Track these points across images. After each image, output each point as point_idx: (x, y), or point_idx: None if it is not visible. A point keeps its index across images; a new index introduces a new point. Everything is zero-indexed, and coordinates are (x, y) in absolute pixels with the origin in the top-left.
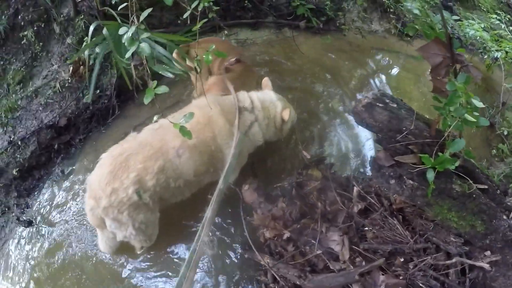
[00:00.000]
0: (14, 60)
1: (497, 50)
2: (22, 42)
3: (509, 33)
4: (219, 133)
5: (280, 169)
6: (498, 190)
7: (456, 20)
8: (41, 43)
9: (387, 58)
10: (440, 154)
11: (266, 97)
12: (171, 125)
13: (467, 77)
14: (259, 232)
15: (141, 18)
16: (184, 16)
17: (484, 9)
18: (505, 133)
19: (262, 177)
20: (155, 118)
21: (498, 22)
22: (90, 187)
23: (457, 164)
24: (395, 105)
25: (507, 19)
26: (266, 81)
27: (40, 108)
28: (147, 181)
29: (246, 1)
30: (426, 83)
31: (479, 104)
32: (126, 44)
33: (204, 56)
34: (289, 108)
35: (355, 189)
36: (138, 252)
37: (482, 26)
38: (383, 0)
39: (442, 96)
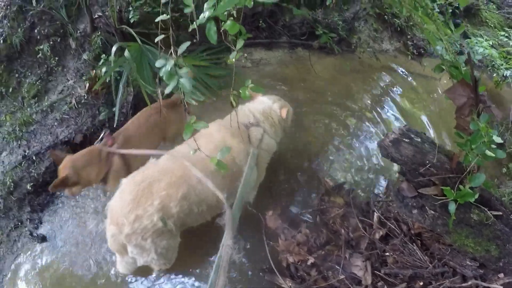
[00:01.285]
0: (30, 74)
1: (506, 68)
2: (38, 56)
3: None
4: (237, 155)
5: (297, 193)
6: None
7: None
8: (56, 58)
9: (398, 78)
10: (460, 186)
11: (263, 106)
12: (189, 151)
13: (489, 116)
14: (282, 257)
15: (180, 51)
16: (231, 57)
17: (492, 25)
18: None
19: (280, 201)
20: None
21: (506, 39)
22: (111, 213)
23: (476, 196)
24: (419, 140)
25: None
26: (250, 92)
27: (56, 124)
28: (171, 208)
29: (260, 21)
30: (434, 101)
31: (499, 139)
32: (164, 78)
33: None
34: (286, 106)
35: (376, 215)
36: (154, 273)
37: (490, 43)
38: (394, 20)
39: (464, 133)
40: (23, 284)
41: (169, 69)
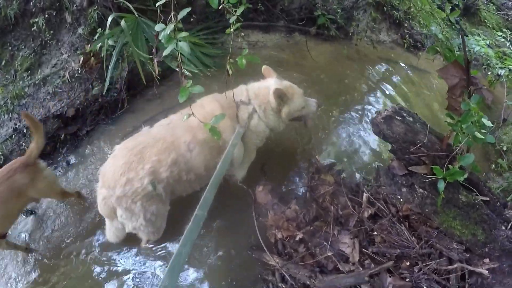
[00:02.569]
0: (23, 47)
1: (501, 68)
2: (32, 29)
3: None
4: (223, 129)
5: (289, 173)
6: (499, 203)
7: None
8: (51, 31)
9: (393, 68)
10: (450, 166)
11: (262, 84)
12: (179, 119)
13: (480, 98)
14: (270, 233)
15: (179, 17)
16: (231, 20)
17: (490, 26)
18: (504, 148)
19: (271, 179)
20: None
21: (503, 39)
22: (103, 177)
23: (465, 176)
24: (411, 119)
25: None
26: (266, 69)
27: (48, 97)
28: (161, 172)
29: (259, 4)
30: (429, 95)
31: (488, 123)
32: (163, 41)
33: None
34: (281, 88)
35: (365, 195)
36: (143, 245)
37: (487, 42)
38: (393, 12)
39: (455, 114)
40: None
41: (168, 32)
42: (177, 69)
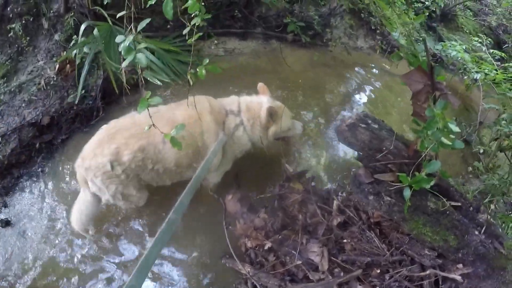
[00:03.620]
0: (0, 53)
1: (476, 72)
2: (9, 35)
3: (489, 55)
4: (206, 130)
5: (262, 181)
6: (471, 207)
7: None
8: (28, 38)
9: (370, 75)
10: (417, 173)
11: (254, 100)
12: (167, 111)
13: (445, 104)
14: (241, 242)
15: (139, 28)
16: (184, 32)
17: (467, 31)
18: (481, 151)
19: (244, 188)
20: None
21: (479, 44)
22: (83, 149)
23: (432, 183)
24: (376, 126)
25: (488, 41)
26: (262, 87)
27: (23, 105)
28: (124, 155)
29: (236, 11)
30: (405, 100)
31: (455, 128)
32: (122, 53)
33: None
34: (267, 106)
35: (335, 202)
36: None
37: (464, 47)
38: (370, 18)
39: (421, 120)
40: None
41: (127, 44)
42: (149, 79)
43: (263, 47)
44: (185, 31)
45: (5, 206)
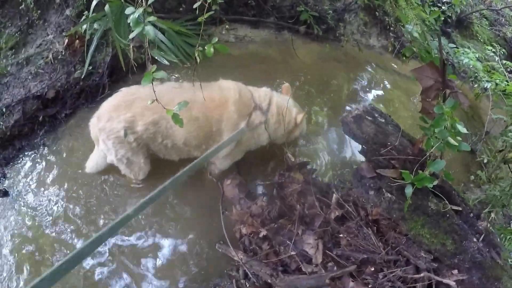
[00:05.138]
0: (10, 25)
1: (487, 81)
2: (20, 8)
3: (501, 66)
4: (226, 118)
5: (263, 168)
6: (472, 214)
7: (452, 47)
8: (39, 11)
9: (380, 74)
10: (420, 172)
11: (283, 103)
12: (189, 89)
13: (455, 102)
14: (236, 228)
15: (149, 1)
16: (195, 6)
17: (481, 40)
18: (485, 161)
19: (245, 174)
20: None
21: (492, 54)
22: (100, 108)
23: (435, 183)
24: (383, 120)
25: (502, 52)
26: (287, 87)
27: (30, 77)
28: (137, 125)
29: None
30: (414, 104)
31: (463, 129)
32: (131, 24)
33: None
34: (303, 114)
35: (334, 196)
36: (127, 178)
37: (477, 56)
38: (384, 17)
39: (428, 118)
40: None
41: (136, 16)
42: (156, 58)
43: (274, 37)
44: (195, 5)
45: (4, 176)
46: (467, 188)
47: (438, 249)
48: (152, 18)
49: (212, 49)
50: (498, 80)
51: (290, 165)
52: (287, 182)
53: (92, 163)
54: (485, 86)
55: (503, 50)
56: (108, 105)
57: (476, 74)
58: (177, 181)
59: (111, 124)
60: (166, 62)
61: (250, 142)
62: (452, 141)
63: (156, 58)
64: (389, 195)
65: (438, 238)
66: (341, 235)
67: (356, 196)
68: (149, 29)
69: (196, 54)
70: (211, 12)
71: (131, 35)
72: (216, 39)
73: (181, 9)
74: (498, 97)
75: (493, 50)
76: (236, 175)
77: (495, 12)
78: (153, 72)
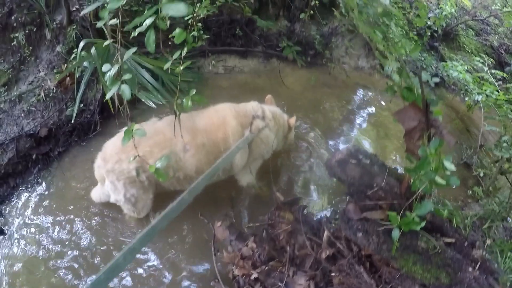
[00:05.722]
0: (2, 61)
1: (478, 93)
2: (12, 44)
3: (490, 76)
4: (231, 134)
5: (256, 207)
6: (466, 242)
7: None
8: (30, 47)
9: (370, 97)
10: (408, 213)
11: (274, 109)
12: (187, 119)
13: (440, 142)
14: (229, 269)
15: (125, 57)
16: (166, 66)
17: (469, 51)
18: (481, 175)
19: (237, 213)
20: None
21: (481, 64)
22: (104, 150)
23: (423, 225)
24: (368, 161)
25: (490, 62)
26: (270, 98)
27: (22, 115)
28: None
29: (237, 29)
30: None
31: (451, 167)
32: (107, 83)
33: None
34: (294, 117)
35: (325, 234)
36: (126, 217)
37: (466, 68)
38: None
39: (414, 158)
40: None
41: (112, 75)
42: (143, 100)
43: (263, 65)
44: (166, 66)
45: (1, 215)
46: (465, 204)
47: (433, 282)
48: (127, 76)
49: (190, 103)
50: (488, 91)
51: (279, 204)
52: (277, 222)
53: (96, 195)
54: (476, 99)
55: (491, 59)
56: (114, 146)
57: (466, 87)
58: (196, 191)
59: (121, 166)
60: (153, 105)
61: (261, 148)
62: (439, 180)
63: (142, 99)
64: (376, 238)
65: (431, 273)
66: (333, 274)
67: None
68: (125, 88)
69: (175, 107)
70: (188, 63)
71: (107, 96)
72: (194, 91)
73: (169, 43)
74: (490, 108)
75: (481, 61)
76: (226, 217)
77: (480, 22)
78: (132, 129)
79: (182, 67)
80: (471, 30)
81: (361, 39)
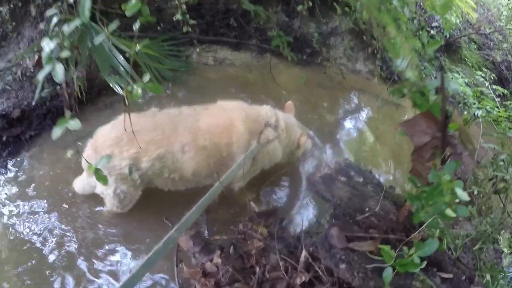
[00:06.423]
0: None
1: (478, 108)
2: None
3: (491, 91)
4: (236, 140)
5: (235, 215)
6: (464, 277)
7: (453, 87)
8: (14, 23)
9: (366, 101)
10: (405, 249)
11: (290, 120)
12: (190, 116)
13: (456, 165)
14: (191, 285)
15: (100, 39)
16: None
17: (469, 64)
18: (475, 192)
19: (213, 219)
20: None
21: (482, 79)
22: (95, 138)
23: (423, 266)
24: (360, 180)
25: (491, 77)
26: (290, 105)
27: None
28: (142, 162)
29: (232, 19)
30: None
31: (464, 196)
32: (43, 60)
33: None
34: (305, 136)
35: (303, 254)
36: (105, 214)
37: (466, 81)
38: (372, 42)
39: (420, 181)
40: None
41: (49, 52)
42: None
43: (256, 60)
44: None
45: None
46: (456, 223)
47: None
48: (66, 54)
49: (140, 91)
50: (488, 107)
51: (253, 215)
52: (248, 236)
53: (79, 186)
54: (475, 113)
55: (493, 74)
56: (107, 137)
57: (465, 100)
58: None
59: (113, 161)
60: (121, 92)
61: (265, 159)
62: (450, 213)
63: (110, 84)
64: (362, 275)
65: None
66: None
67: None
68: (59, 70)
69: (125, 95)
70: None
71: (40, 76)
72: (148, 78)
73: (158, 28)
74: (488, 124)
75: (483, 75)
76: (193, 224)
77: (484, 36)
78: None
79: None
80: (474, 43)
81: (361, 41)
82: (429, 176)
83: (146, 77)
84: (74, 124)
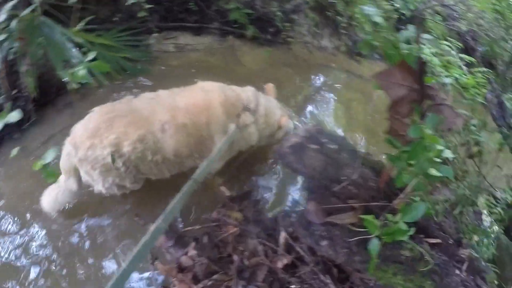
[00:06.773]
0: None
1: (446, 76)
2: None
3: (458, 60)
4: (214, 122)
5: (210, 204)
6: (451, 240)
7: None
8: None
9: (334, 76)
10: (389, 216)
11: (270, 104)
12: (168, 97)
13: (438, 119)
14: (169, 283)
15: None
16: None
17: (435, 35)
18: (450, 158)
19: (182, 210)
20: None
21: (448, 48)
22: (73, 134)
23: (411, 232)
24: (334, 146)
25: (458, 47)
26: (271, 87)
27: None
28: (124, 146)
29: (191, 3)
30: (372, 106)
31: (449, 153)
32: None
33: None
34: (286, 117)
35: (282, 235)
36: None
37: (433, 51)
38: (336, 17)
39: (399, 141)
40: None
41: None
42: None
43: (218, 43)
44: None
45: None
46: (434, 189)
47: None
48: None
49: (83, 72)
50: (457, 75)
51: (225, 200)
52: (223, 223)
53: (50, 199)
54: (444, 82)
55: (459, 44)
56: (84, 130)
57: (432, 70)
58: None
59: (94, 152)
60: (74, 85)
61: (241, 143)
62: (434, 172)
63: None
64: (346, 249)
65: (415, 282)
66: (292, 286)
67: None
68: None
69: (69, 78)
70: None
71: None
72: (91, 57)
73: (115, 19)
74: (457, 91)
75: (448, 44)
76: None
77: (448, 8)
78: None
79: None
80: (438, 15)
81: (325, 17)
82: (409, 131)
83: (90, 56)
84: (15, 115)
